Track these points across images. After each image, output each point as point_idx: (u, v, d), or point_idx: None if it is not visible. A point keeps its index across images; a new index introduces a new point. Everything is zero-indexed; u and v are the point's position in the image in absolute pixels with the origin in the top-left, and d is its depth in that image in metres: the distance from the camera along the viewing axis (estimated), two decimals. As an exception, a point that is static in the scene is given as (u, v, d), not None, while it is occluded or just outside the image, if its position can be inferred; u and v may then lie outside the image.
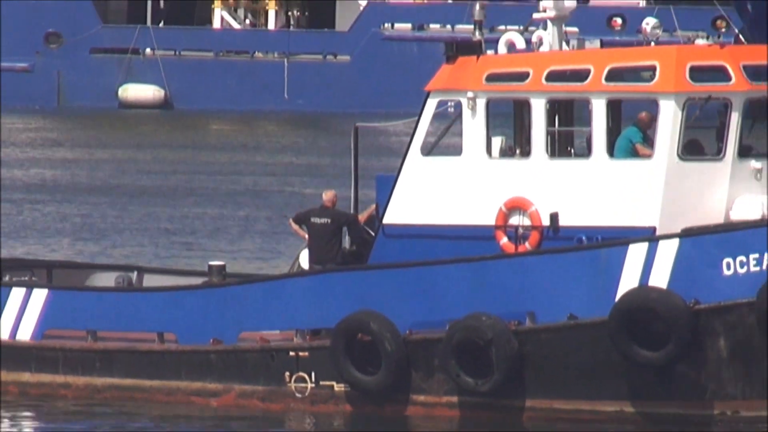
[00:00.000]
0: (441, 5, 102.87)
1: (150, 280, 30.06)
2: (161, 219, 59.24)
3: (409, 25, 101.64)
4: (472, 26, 27.39)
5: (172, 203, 65.32)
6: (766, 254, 24.05)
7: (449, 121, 25.80)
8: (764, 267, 23.90)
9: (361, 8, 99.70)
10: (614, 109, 24.79)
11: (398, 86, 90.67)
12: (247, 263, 41.37)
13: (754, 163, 24.49)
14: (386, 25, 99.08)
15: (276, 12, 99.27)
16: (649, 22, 25.65)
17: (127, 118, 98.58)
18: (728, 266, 24.22)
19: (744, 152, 24.68)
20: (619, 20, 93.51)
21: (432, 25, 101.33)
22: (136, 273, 30.07)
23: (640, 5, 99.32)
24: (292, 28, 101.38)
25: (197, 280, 28.29)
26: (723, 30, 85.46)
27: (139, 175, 73.89)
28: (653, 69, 24.86)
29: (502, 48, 26.59)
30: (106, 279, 29.78)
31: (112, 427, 24.56)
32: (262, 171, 77.72)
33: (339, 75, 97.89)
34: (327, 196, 25.93)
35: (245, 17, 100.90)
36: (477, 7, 26.42)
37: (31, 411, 27.35)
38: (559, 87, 25.10)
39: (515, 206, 25.18)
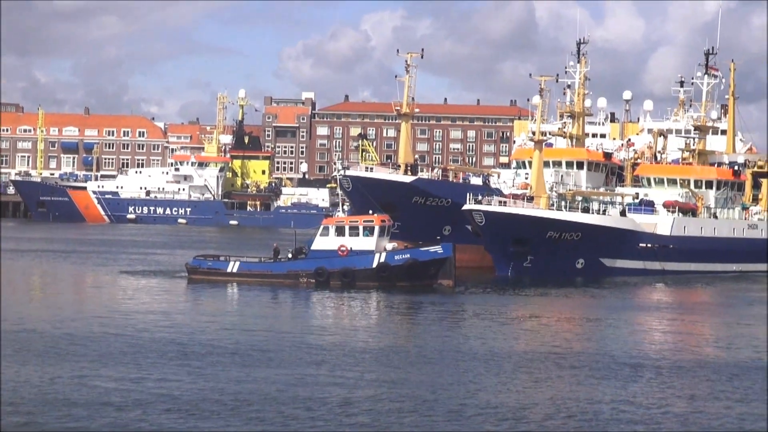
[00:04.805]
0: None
1: (241, 261, 77.63)
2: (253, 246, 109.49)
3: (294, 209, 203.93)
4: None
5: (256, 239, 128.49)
6: (404, 255, 76.05)
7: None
8: (406, 257, 75.74)
9: (279, 205, 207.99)
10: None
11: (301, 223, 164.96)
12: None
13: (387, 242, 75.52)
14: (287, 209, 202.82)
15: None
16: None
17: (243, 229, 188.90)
18: (399, 258, 75.38)
19: (381, 233, 75.49)
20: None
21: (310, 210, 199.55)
22: (236, 259, 77.44)
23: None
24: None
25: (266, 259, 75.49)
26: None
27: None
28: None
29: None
30: (236, 260, 76.78)
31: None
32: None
33: (277, 218, 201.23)
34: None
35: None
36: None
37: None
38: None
39: (343, 247, 75.37)
